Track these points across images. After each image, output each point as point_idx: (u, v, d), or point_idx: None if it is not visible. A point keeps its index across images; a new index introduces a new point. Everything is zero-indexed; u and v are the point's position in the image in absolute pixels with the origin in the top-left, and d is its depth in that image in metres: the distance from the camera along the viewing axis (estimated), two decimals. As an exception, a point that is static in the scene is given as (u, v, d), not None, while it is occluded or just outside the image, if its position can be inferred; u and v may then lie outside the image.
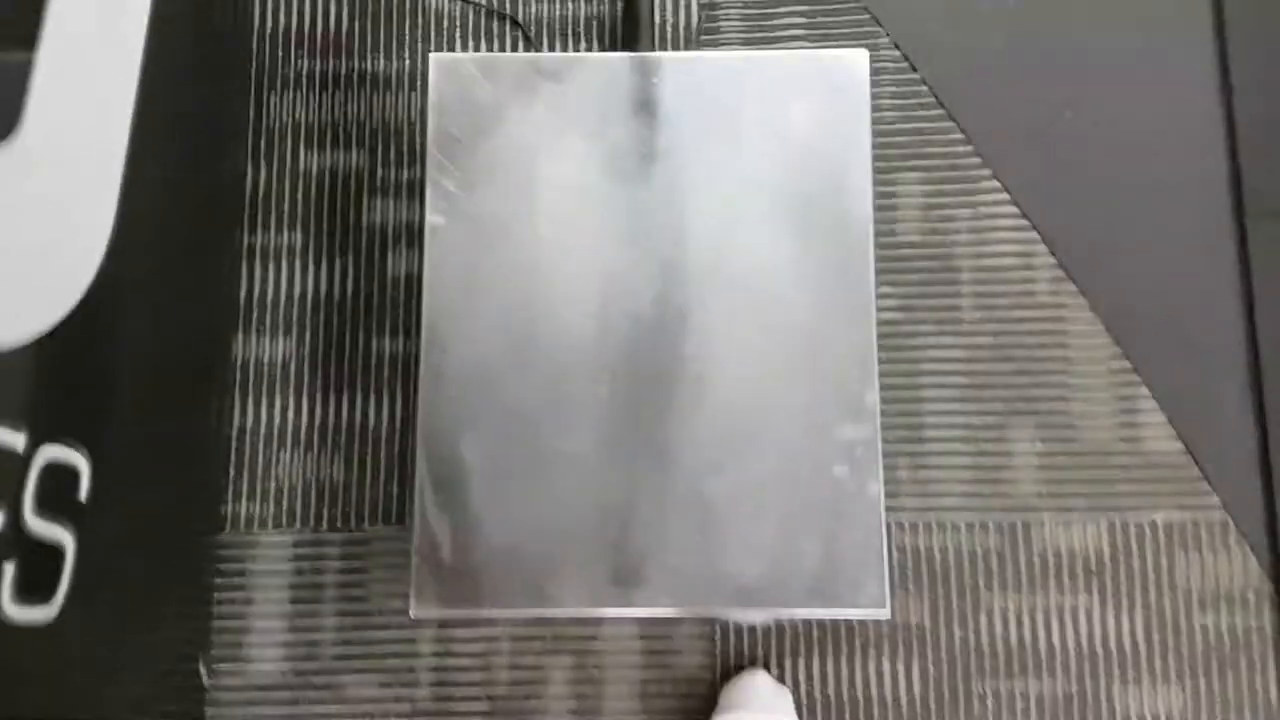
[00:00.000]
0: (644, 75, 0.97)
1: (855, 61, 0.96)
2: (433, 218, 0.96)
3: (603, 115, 0.96)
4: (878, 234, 1.06)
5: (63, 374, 0.65)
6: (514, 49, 1.12)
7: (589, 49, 1.12)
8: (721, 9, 1.12)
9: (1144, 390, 1.03)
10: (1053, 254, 1.06)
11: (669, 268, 0.94)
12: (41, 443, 0.62)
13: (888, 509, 1.02)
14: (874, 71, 1.10)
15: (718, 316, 0.92)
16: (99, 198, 0.72)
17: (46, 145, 0.66)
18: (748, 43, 1.11)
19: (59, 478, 0.65)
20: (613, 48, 1.12)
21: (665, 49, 1.12)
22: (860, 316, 0.92)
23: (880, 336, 0.91)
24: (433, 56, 0.98)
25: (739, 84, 0.96)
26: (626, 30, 1.08)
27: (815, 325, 0.92)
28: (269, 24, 1.13)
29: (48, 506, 0.63)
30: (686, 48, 1.11)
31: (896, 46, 1.10)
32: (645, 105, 0.97)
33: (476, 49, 1.12)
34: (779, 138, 0.95)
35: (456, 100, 0.98)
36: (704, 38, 1.12)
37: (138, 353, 0.78)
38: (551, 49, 1.12)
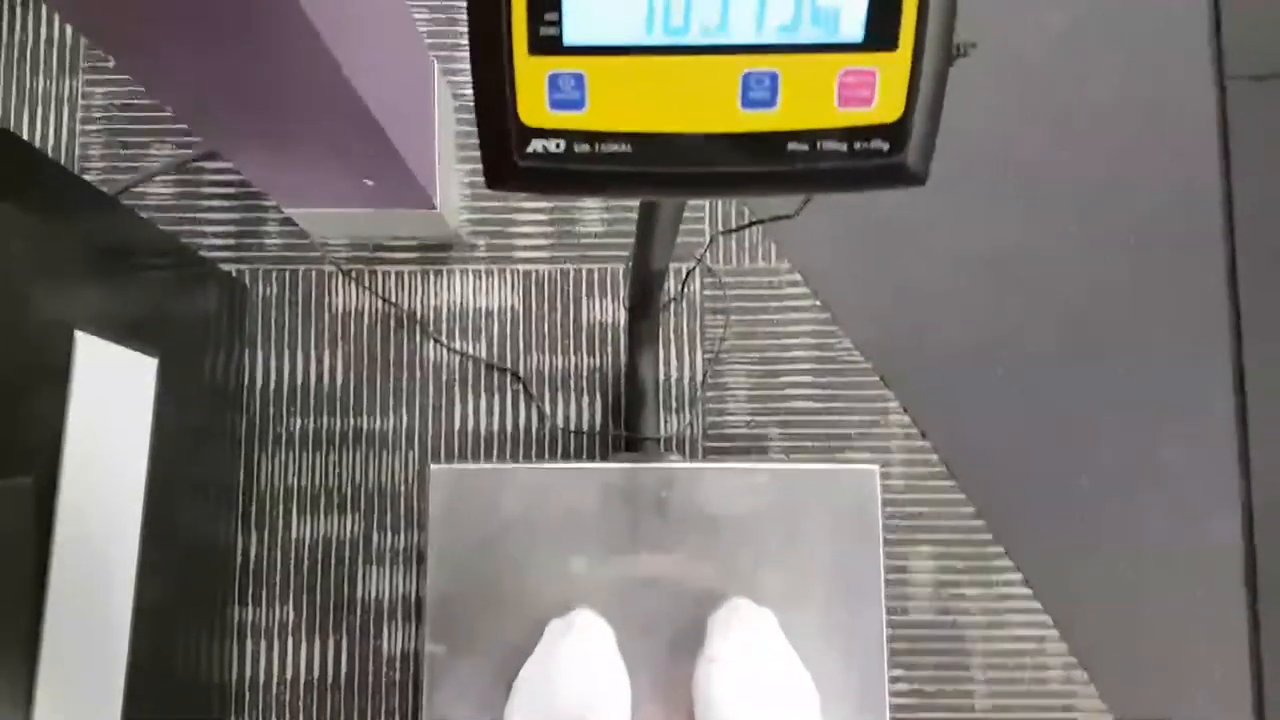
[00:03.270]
0: (652, 485, 0.94)
1: (865, 478, 0.94)
2: (433, 647, 0.93)
3: (608, 526, 0.94)
4: (889, 611, 1.04)
5: None
6: (515, 404, 1.09)
7: (591, 404, 1.09)
8: (727, 363, 1.09)
9: (1158, 792, 1.01)
10: (1064, 639, 1.04)
11: (674, 684, 0.92)
12: None
13: None
14: (883, 438, 1.08)
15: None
16: None
17: None
18: (753, 399, 1.09)
19: None
20: (615, 409, 1.09)
21: (670, 405, 1.09)
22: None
23: (892, 724, 0.89)
24: (433, 468, 0.95)
25: (746, 496, 0.94)
26: (630, 395, 1.05)
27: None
28: (259, 380, 1.09)
29: None
30: (691, 406, 1.09)
31: (905, 411, 1.08)
32: (653, 515, 0.95)
33: (476, 403, 1.09)
34: (788, 548, 0.93)
35: (457, 513, 0.94)
36: (710, 394, 1.09)
37: None
38: (553, 404, 1.09)
